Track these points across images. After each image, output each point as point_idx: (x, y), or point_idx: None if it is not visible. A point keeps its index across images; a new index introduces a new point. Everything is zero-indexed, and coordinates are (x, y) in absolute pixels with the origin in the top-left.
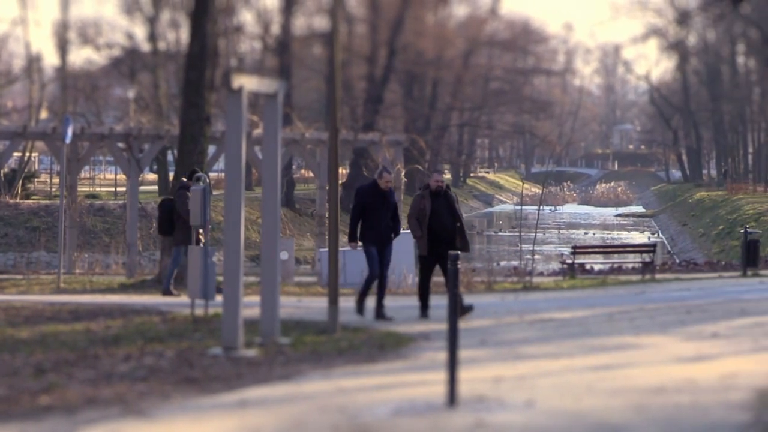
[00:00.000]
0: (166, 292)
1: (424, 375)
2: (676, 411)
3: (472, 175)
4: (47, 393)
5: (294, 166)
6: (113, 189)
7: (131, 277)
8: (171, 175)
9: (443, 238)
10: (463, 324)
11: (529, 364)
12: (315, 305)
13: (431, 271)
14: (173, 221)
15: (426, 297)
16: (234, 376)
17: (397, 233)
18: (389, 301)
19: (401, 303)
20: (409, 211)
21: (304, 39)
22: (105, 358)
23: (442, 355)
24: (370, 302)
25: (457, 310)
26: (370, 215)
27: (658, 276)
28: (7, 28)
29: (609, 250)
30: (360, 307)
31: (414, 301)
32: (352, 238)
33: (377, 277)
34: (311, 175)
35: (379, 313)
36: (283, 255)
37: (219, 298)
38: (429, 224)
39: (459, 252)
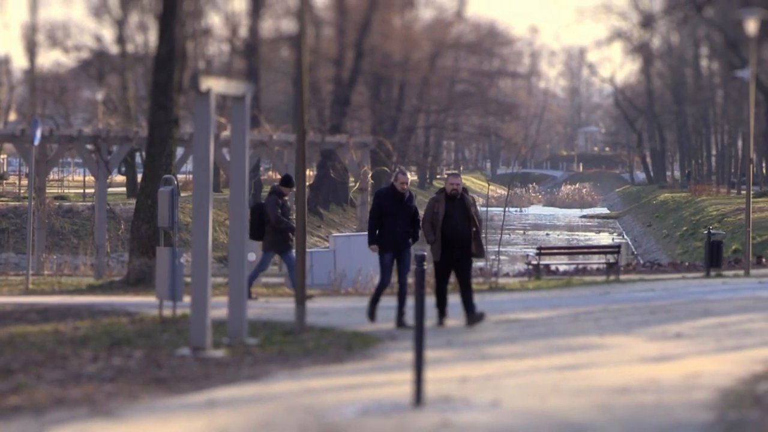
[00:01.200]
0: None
1: (391, 375)
2: (641, 410)
3: (438, 176)
4: (16, 393)
5: (262, 168)
6: (82, 191)
7: (99, 278)
8: (139, 176)
9: (456, 243)
10: (429, 324)
11: (495, 364)
12: (282, 306)
13: (446, 277)
14: (264, 226)
15: (442, 304)
16: (202, 376)
17: (415, 239)
18: (356, 302)
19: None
20: (423, 215)
21: (271, 42)
22: (73, 359)
23: (409, 356)
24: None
25: (424, 311)
26: (387, 219)
27: (622, 277)
28: None
29: (574, 251)
30: (371, 313)
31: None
32: (371, 241)
33: (388, 285)
34: (279, 176)
35: (400, 321)
36: (251, 256)
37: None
38: (442, 229)
39: (474, 256)
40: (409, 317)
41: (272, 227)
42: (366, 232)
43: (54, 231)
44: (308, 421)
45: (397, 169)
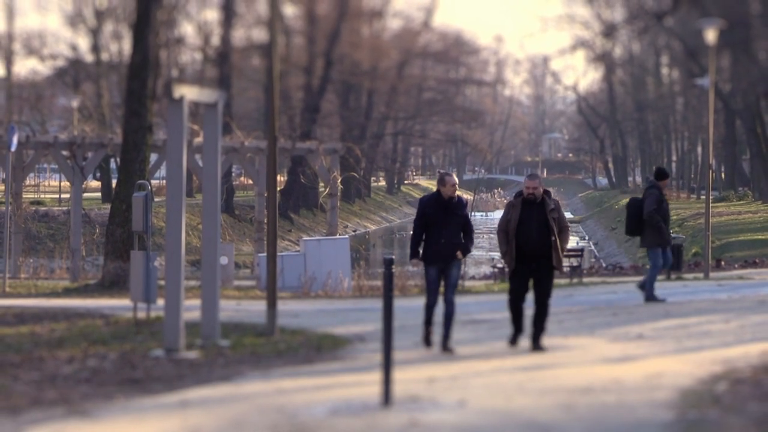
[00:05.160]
0: (650, 298)
1: (360, 376)
2: (604, 410)
3: (406, 182)
4: None
5: (233, 174)
6: (57, 196)
7: (75, 282)
8: (114, 182)
9: (532, 253)
10: (397, 326)
11: (462, 364)
12: (254, 308)
13: (521, 292)
14: (642, 222)
15: (517, 321)
16: (175, 377)
17: (466, 251)
18: (326, 304)
19: (338, 306)
20: (498, 222)
21: (243, 50)
22: (49, 360)
23: (378, 357)
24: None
25: (392, 313)
26: (431, 229)
27: (585, 279)
28: None
29: None
30: (426, 338)
31: (352, 304)
32: (412, 256)
33: (435, 304)
34: (250, 182)
35: (445, 345)
36: (223, 260)
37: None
38: (516, 238)
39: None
40: (455, 340)
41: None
42: (335, 237)
43: (30, 235)
44: (279, 420)
45: (442, 171)
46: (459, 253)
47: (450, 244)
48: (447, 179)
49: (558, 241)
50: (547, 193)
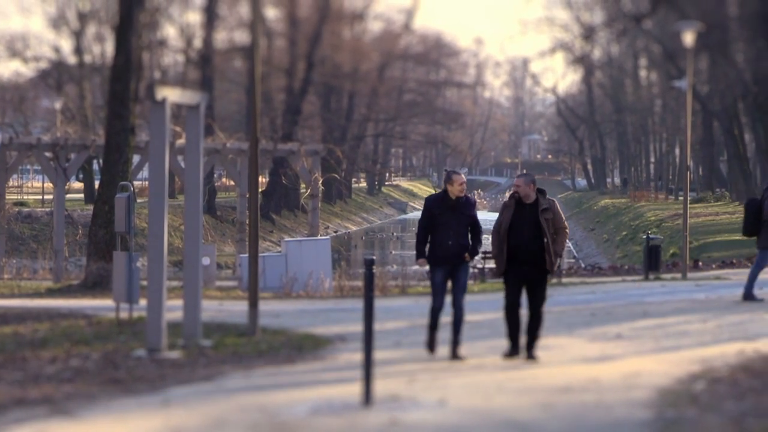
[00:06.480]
0: (748, 297)
1: (341, 375)
2: (582, 409)
3: (386, 183)
4: None
5: (215, 175)
6: (41, 197)
7: (58, 282)
8: (97, 183)
9: (521, 257)
10: (377, 326)
11: (442, 364)
12: (236, 309)
13: (516, 298)
14: (760, 222)
15: (514, 334)
16: (157, 377)
17: (474, 253)
18: (307, 305)
19: (319, 306)
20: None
21: (225, 52)
22: (32, 360)
23: (359, 357)
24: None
25: (373, 313)
26: (437, 230)
27: (564, 280)
28: None
29: None
30: (430, 344)
31: (333, 304)
32: (418, 255)
33: (441, 308)
34: (232, 183)
35: (454, 352)
36: (205, 260)
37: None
38: (508, 240)
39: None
40: (464, 348)
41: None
42: (316, 238)
43: (13, 236)
44: (261, 420)
45: (449, 170)
46: (467, 256)
47: (458, 245)
48: (455, 178)
49: (551, 243)
50: (541, 192)
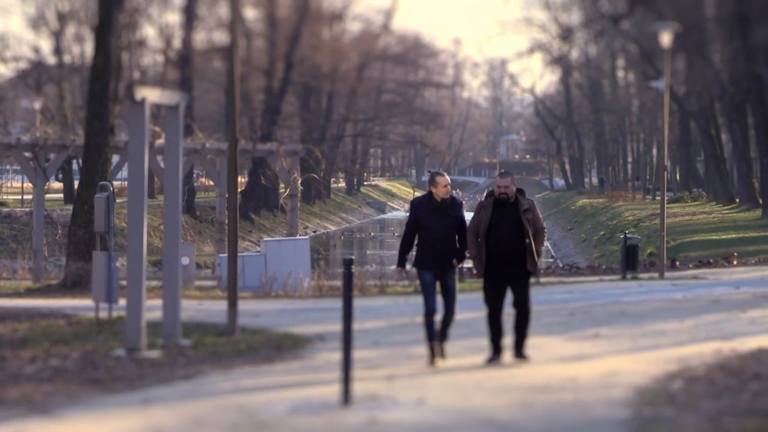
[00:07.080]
0: None
1: (320, 375)
2: (560, 408)
3: (365, 183)
4: None
5: (195, 175)
6: (20, 197)
7: (37, 282)
8: (76, 183)
9: (502, 258)
10: (356, 325)
11: (421, 363)
12: (215, 308)
13: (498, 301)
14: None
15: (495, 335)
16: (137, 376)
17: (461, 256)
18: (286, 304)
19: (298, 306)
20: (468, 223)
21: (204, 53)
22: (12, 360)
23: (338, 356)
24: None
25: (351, 312)
26: (425, 233)
27: (542, 279)
28: None
29: None
30: (432, 355)
31: (312, 303)
32: (399, 263)
33: (434, 310)
34: (212, 183)
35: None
36: (184, 260)
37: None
38: (486, 241)
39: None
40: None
41: None
42: (295, 237)
43: None
44: (240, 419)
45: (433, 171)
46: (455, 262)
47: (445, 248)
48: (438, 179)
49: (533, 243)
50: (521, 192)
